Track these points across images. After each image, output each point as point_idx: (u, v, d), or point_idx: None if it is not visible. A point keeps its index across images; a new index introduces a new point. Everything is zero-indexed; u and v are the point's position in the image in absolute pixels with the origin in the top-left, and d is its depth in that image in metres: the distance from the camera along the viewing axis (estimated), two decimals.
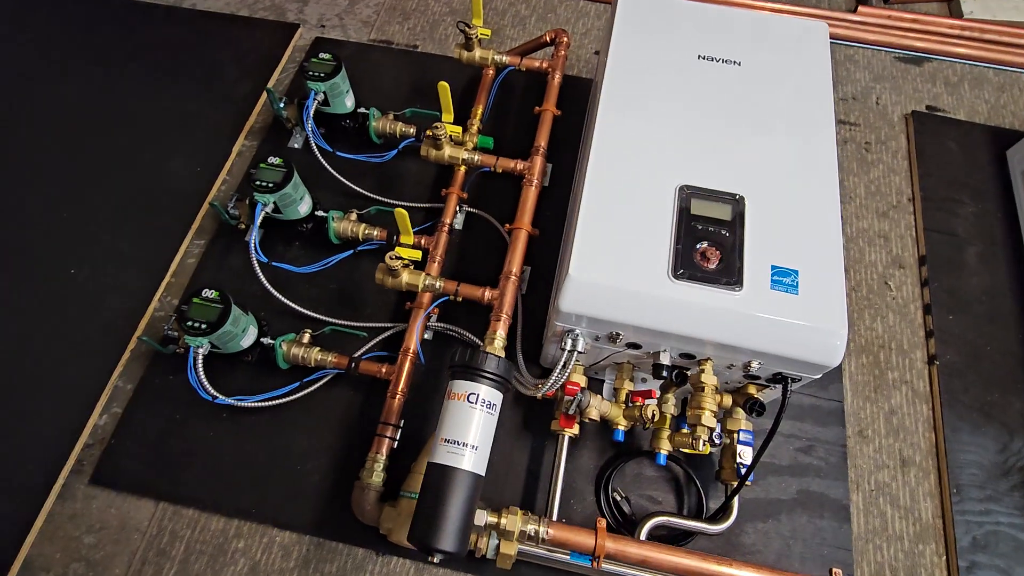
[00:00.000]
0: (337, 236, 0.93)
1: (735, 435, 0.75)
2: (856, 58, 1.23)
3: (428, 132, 0.92)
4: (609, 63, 0.82)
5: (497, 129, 1.07)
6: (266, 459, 0.82)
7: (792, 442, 0.86)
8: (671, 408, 0.75)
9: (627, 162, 0.74)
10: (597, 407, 0.74)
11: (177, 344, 0.83)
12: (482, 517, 0.65)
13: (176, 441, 0.83)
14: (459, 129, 0.97)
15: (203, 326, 0.75)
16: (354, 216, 0.94)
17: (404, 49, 1.20)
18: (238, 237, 0.98)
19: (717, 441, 0.72)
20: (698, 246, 0.68)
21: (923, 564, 0.80)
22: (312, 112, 0.96)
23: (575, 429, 0.77)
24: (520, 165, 0.94)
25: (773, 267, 0.67)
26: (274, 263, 0.89)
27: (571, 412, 0.75)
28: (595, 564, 0.66)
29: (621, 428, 0.76)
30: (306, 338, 0.85)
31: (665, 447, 0.75)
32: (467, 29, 0.99)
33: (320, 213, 0.94)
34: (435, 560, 0.58)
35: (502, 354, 0.72)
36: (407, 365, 0.82)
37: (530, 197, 0.89)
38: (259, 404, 0.82)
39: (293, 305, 0.88)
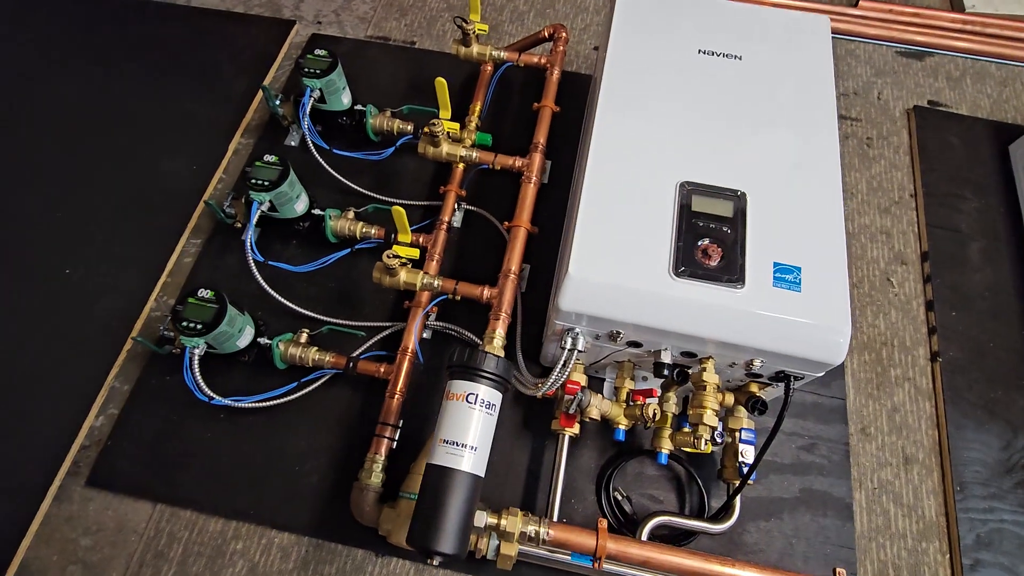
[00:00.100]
0: (334, 235, 0.92)
1: (737, 434, 0.75)
2: (857, 52, 1.22)
3: (426, 129, 0.91)
4: (608, 58, 0.81)
5: (495, 126, 1.06)
6: (264, 460, 0.82)
7: (794, 440, 0.85)
8: (672, 407, 0.74)
9: (627, 158, 0.73)
10: (598, 406, 0.73)
11: (173, 345, 0.83)
12: (482, 518, 0.64)
13: (173, 442, 0.83)
14: (457, 126, 0.96)
15: (198, 326, 0.74)
16: (351, 214, 0.93)
17: (401, 45, 1.19)
18: (234, 236, 0.97)
19: (719, 440, 0.72)
20: (699, 243, 0.67)
21: (927, 562, 0.80)
22: (308, 109, 0.95)
23: (575, 428, 0.76)
24: (519, 162, 0.93)
25: (775, 264, 0.66)
26: (271, 262, 0.88)
27: (571, 411, 0.74)
28: (596, 565, 0.65)
29: (622, 427, 0.75)
30: (303, 338, 0.84)
31: (666, 446, 0.74)
32: (465, 25, 0.98)
33: (317, 211, 0.93)
34: (434, 563, 0.57)
35: (501, 353, 0.72)
36: (406, 365, 0.81)
37: (529, 194, 0.88)
38: (257, 405, 0.81)
39: (290, 304, 0.87)
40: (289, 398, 0.83)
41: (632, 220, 0.69)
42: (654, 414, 0.71)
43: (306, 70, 0.94)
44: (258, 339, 0.83)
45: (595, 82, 0.92)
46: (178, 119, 1.09)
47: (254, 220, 0.85)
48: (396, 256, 0.78)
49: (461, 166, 0.96)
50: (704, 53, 0.82)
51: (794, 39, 0.84)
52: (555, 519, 0.72)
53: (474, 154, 0.94)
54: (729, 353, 0.68)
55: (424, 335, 0.89)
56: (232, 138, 1.07)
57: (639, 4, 0.85)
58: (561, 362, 0.69)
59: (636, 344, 0.70)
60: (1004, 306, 0.96)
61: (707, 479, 0.81)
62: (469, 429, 0.60)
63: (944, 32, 1.23)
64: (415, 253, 0.83)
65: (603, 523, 0.67)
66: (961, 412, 0.88)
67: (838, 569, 0.67)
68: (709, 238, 0.67)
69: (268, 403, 0.82)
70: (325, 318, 0.89)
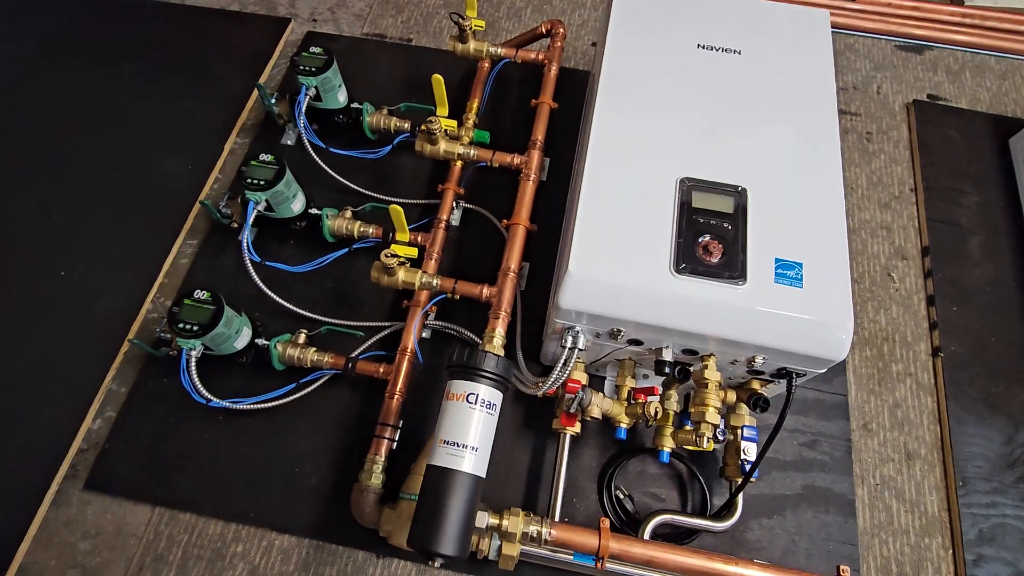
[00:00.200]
0: (332, 234, 0.91)
1: (739, 431, 0.74)
2: (856, 47, 1.22)
3: (423, 127, 0.90)
4: (606, 54, 0.80)
5: (493, 123, 1.06)
6: (263, 462, 0.81)
7: (796, 437, 0.85)
8: (674, 405, 0.74)
9: (626, 155, 0.72)
10: (599, 405, 0.73)
11: (170, 347, 0.82)
12: (483, 519, 0.64)
13: (172, 444, 0.82)
14: (454, 123, 0.96)
15: (195, 328, 0.74)
16: (349, 213, 0.92)
17: (398, 43, 1.18)
18: (231, 236, 0.97)
19: (721, 437, 0.71)
20: (700, 240, 0.67)
21: (929, 558, 0.80)
22: (304, 108, 0.94)
23: (577, 427, 0.76)
24: (517, 159, 0.92)
25: (777, 260, 0.66)
26: (268, 262, 0.88)
27: (572, 410, 0.74)
28: (599, 565, 0.65)
29: (623, 426, 0.75)
30: (302, 338, 0.83)
31: (668, 444, 0.74)
32: (461, 21, 0.97)
33: (314, 211, 0.92)
34: (436, 565, 0.57)
35: (501, 352, 0.71)
36: (405, 365, 0.81)
37: (528, 192, 0.87)
38: (255, 406, 0.81)
39: (288, 305, 0.86)
40: (288, 399, 0.82)
41: (632, 217, 0.68)
42: (656, 412, 0.71)
43: (301, 68, 0.93)
44: (256, 340, 0.82)
45: (593, 78, 0.91)
46: (173, 119, 1.08)
47: (250, 220, 0.85)
48: (394, 255, 0.78)
49: (459, 164, 0.95)
50: (703, 48, 0.81)
51: (794, 33, 0.83)
52: (557, 519, 0.71)
53: (472, 152, 0.94)
54: (731, 350, 0.67)
55: (423, 335, 0.88)
56: (228, 137, 1.06)
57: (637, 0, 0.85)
58: (562, 361, 0.69)
59: (637, 342, 0.70)
60: (1005, 300, 0.95)
61: (709, 477, 0.81)
62: (470, 429, 0.60)
63: (943, 26, 1.23)
64: (413, 252, 0.83)
65: (605, 522, 0.67)
66: (963, 407, 0.88)
67: (842, 567, 0.66)
68: (710, 234, 0.67)
69: (267, 404, 0.81)
70: (323, 318, 0.88)
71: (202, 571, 0.76)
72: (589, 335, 0.70)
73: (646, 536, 0.73)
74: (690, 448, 0.74)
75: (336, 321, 0.88)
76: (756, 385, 0.74)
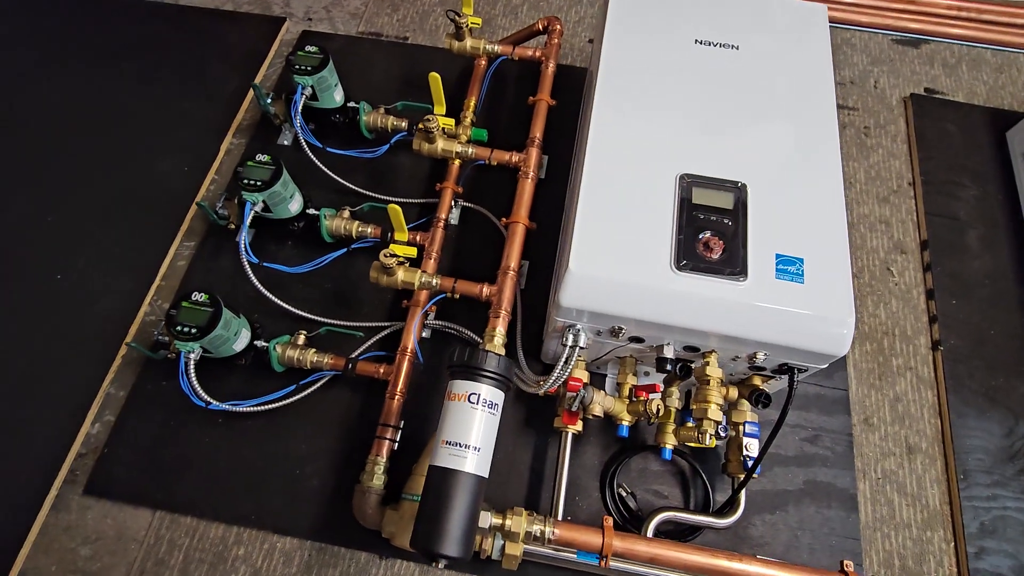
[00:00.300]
0: (330, 234, 0.91)
1: (741, 427, 0.74)
2: (853, 41, 1.22)
3: (420, 125, 0.90)
4: (604, 51, 0.80)
5: (491, 121, 1.05)
6: (264, 464, 0.81)
7: (797, 432, 0.85)
8: (675, 402, 0.74)
9: (625, 152, 0.72)
10: (601, 403, 0.72)
11: (168, 349, 0.81)
12: (486, 519, 0.64)
13: (171, 448, 0.82)
14: (452, 122, 0.95)
15: (193, 330, 0.73)
16: (347, 213, 0.92)
17: (394, 41, 1.18)
18: (228, 238, 0.96)
19: (723, 434, 0.71)
20: (700, 236, 0.67)
21: (931, 551, 0.80)
22: (300, 107, 0.94)
23: (578, 426, 0.76)
24: (515, 157, 0.92)
25: (778, 256, 0.66)
26: (266, 264, 0.87)
27: (574, 408, 0.74)
28: (603, 563, 0.65)
29: (625, 423, 0.75)
30: (301, 340, 0.83)
31: (670, 441, 0.74)
32: (457, 18, 0.97)
33: (311, 211, 0.91)
34: (440, 566, 0.57)
35: (502, 352, 0.71)
36: (405, 365, 0.80)
37: (526, 190, 0.87)
38: (255, 408, 0.80)
39: (287, 306, 0.86)
40: (288, 401, 0.82)
41: (632, 214, 0.68)
42: (657, 409, 0.70)
43: (297, 67, 0.92)
44: (255, 342, 0.82)
45: (591, 75, 0.91)
46: (168, 119, 1.07)
47: (248, 221, 0.84)
48: (393, 255, 0.77)
49: (457, 162, 0.95)
50: (701, 43, 0.81)
51: (792, 28, 0.83)
52: (559, 517, 0.71)
53: (470, 150, 0.93)
54: (732, 347, 0.67)
55: (423, 334, 0.88)
56: (224, 138, 1.06)
57: None
58: (563, 359, 0.69)
59: (638, 339, 0.70)
60: (1004, 293, 0.96)
61: (711, 473, 0.81)
62: (472, 430, 0.60)
63: (939, 19, 1.23)
64: (412, 252, 0.82)
65: (609, 521, 0.67)
66: (963, 400, 0.88)
67: (845, 562, 0.66)
68: (710, 231, 0.67)
69: (267, 407, 0.81)
70: (323, 319, 0.88)
71: (204, 575, 0.76)
72: (590, 333, 0.70)
73: (649, 534, 0.73)
74: (692, 445, 0.74)
75: (335, 322, 0.88)
76: (757, 381, 0.74)
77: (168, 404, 0.84)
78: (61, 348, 0.88)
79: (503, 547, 0.67)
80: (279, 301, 0.85)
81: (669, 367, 0.69)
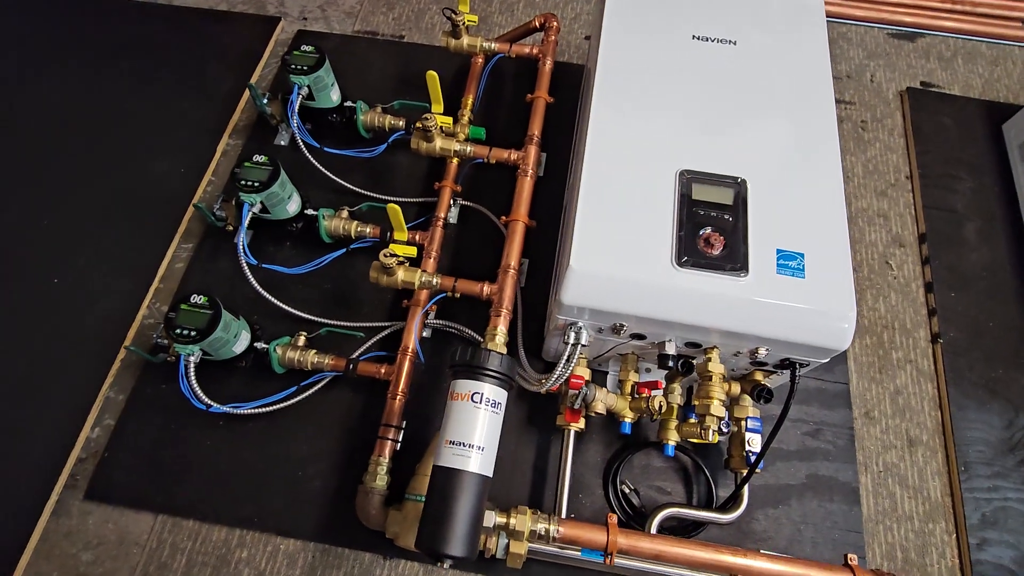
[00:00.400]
0: (329, 235, 0.90)
1: (743, 423, 0.74)
2: (849, 35, 1.22)
3: (418, 124, 0.89)
4: (601, 48, 0.79)
5: (489, 119, 1.05)
6: (266, 466, 0.80)
7: (799, 426, 0.85)
8: (677, 398, 0.74)
9: (625, 149, 0.72)
10: (603, 400, 0.72)
11: (167, 353, 0.81)
12: (491, 518, 0.64)
13: (172, 451, 0.81)
14: (450, 120, 0.95)
15: (193, 333, 0.73)
16: (345, 213, 0.91)
17: (390, 40, 1.17)
18: (226, 239, 0.95)
19: (725, 429, 0.71)
20: (701, 232, 0.66)
21: (934, 543, 0.80)
22: (297, 107, 0.93)
23: (581, 423, 0.76)
24: (514, 155, 0.92)
25: (779, 251, 0.66)
26: (264, 265, 0.87)
27: (576, 406, 0.73)
28: (608, 560, 0.65)
29: (628, 420, 0.75)
30: (301, 341, 0.82)
31: (673, 438, 0.74)
32: (454, 16, 0.97)
33: (310, 211, 0.91)
34: (445, 566, 0.56)
35: (504, 350, 0.71)
36: (407, 365, 0.80)
37: (526, 188, 0.86)
38: (256, 410, 0.80)
39: (286, 307, 0.86)
40: (289, 402, 0.81)
41: (632, 211, 0.68)
42: (660, 406, 0.70)
43: (293, 67, 0.92)
44: (255, 344, 0.81)
45: (588, 72, 0.90)
46: (164, 121, 1.07)
47: (246, 222, 0.84)
48: (393, 255, 0.77)
49: (455, 161, 0.95)
50: (698, 39, 0.81)
51: (789, 22, 0.83)
52: (563, 515, 0.71)
53: (468, 148, 0.93)
54: (734, 342, 0.67)
55: (424, 334, 0.88)
56: (220, 139, 1.05)
57: None
58: (564, 357, 0.68)
59: (640, 336, 0.70)
60: (1002, 285, 0.96)
61: (714, 469, 0.81)
62: (475, 429, 0.59)
63: (934, 12, 1.23)
64: (413, 251, 0.82)
65: (613, 518, 0.67)
66: (963, 392, 0.88)
67: (849, 556, 0.67)
68: (711, 227, 0.67)
69: (267, 408, 0.80)
70: (323, 320, 0.88)
71: None
72: (592, 331, 0.70)
73: (653, 530, 0.73)
74: (695, 441, 0.75)
75: (336, 322, 0.87)
76: (759, 376, 0.74)
77: (168, 407, 0.83)
78: (59, 351, 0.87)
79: (507, 546, 0.66)
80: (278, 302, 0.85)
81: (671, 363, 0.69)
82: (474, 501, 0.57)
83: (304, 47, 0.93)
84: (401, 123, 0.98)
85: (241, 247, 0.82)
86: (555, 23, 1.03)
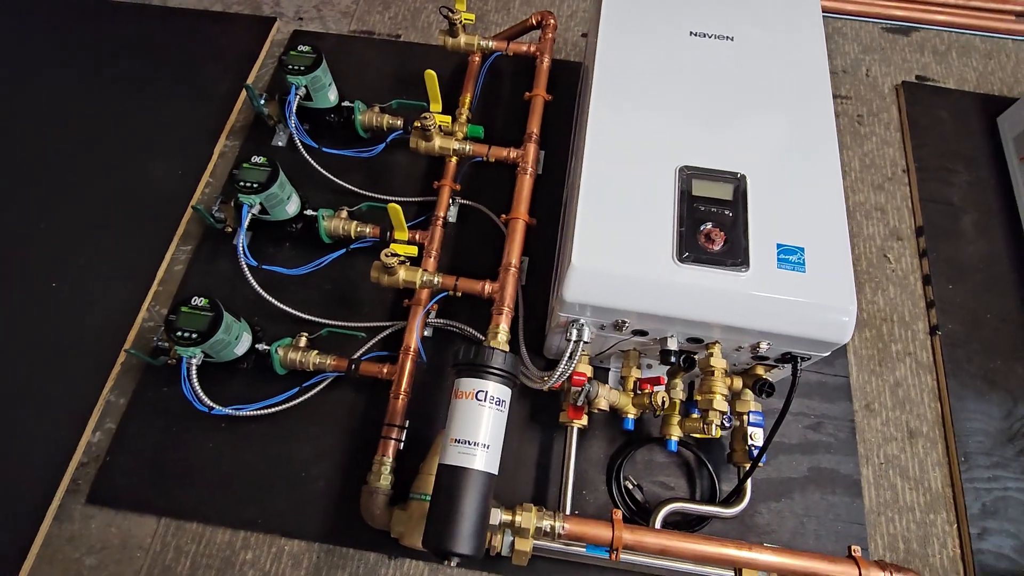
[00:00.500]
0: (328, 235, 0.90)
1: (745, 417, 0.75)
2: (844, 30, 1.22)
3: (416, 123, 0.89)
4: (599, 45, 0.79)
5: (487, 117, 1.05)
6: (269, 468, 0.80)
7: (801, 420, 0.86)
8: (680, 393, 0.74)
9: (624, 146, 0.72)
10: (606, 397, 0.73)
11: (168, 355, 0.81)
12: (496, 515, 0.64)
13: (174, 454, 0.81)
14: (448, 119, 0.95)
15: (194, 335, 0.72)
16: (345, 214, 0.91)
17: (386, 39, 1.17)
18: (225, 241, 0.95)
19: (727, 424, 0.71)
20: (702, 228, 0.67)
21: (935, 534, 0.81)
22: (294, 108, 0.93)
23: (584, 420, 0.76)
24: (513, 153, 0.92)
25: (779, 245, 0.66)
26: (264, 266, 0.87)
27: (579, 403, 0.74)
28: (613, 556, 0.65)
29: (630, 416, 0.75)
30: (303, 342, 0.82)
31: (675, 433, 0.74)
32: (450, 15, 0.96)
33: (309, 212, 0.91)
34: (452, 564, 0.57)
35: (506, 348, 0.71)
36: (408, 364, 0.80)
37: (525, 186, 0.86)
38: (258, 412, 0.80)
39: (287, 308, 0.85)
40: (291, 404, 0.81)
41: (633, 207, 0.68)
42: (662, 402, 0.71)
43: (290, 67, 0.92)
44: (256, 345, 0.81)
45: (586, 70, 0.90)
46: (161, 123, 1.06)
47: (245, 224, 0.83)
48: (394, 254, 0.77)
49: (454, 160, 0.95)
50: (695, 35, 0.81)
51: (785, 18, 0.83)
52: (568, 512, 0.71)
53: (467, 147, 0.93)
54: (735, 337, 0.68)
55: (425, 333, 0.88)
56: (218, 140, 1.05)
57: None
58: (567, 354, 0.69)
59: (642, 332, 0.70)
60: (999, 277, 0.97)
61: (717, 463, 0.81)
62: (480, 427, 0.59)
63: (928, 6, 1.23)
64: (414, 251, 0.82)
65: (618, 514, 0.67)
66: (962, 384, 0.89)
67: (853, 547, 0.67)
68: (711, 222, 0.67)
69: (270, 410, 0.80)
70: (324, 320, 0.87)
71: None
72: (593, 327, 0.70)
73: (657, 525, 0.73)
74: (697, 436, 0.75)
75: (337, 323, 0.87)
76: (761, 371, 0.74)
77: (169, 410, 0.83)
78: (59, 355, 0.87)
79: (512, 543, 0.67)
80: (279, 303, 0.84)
81: (673, 359, 0.69)
82: (480, 499, 0.57)
83: (301, 47, 0.93)
84: (399, 122, 0.98)
85: (241, 249, 0.82)
86: (552, 21, 1.03)
